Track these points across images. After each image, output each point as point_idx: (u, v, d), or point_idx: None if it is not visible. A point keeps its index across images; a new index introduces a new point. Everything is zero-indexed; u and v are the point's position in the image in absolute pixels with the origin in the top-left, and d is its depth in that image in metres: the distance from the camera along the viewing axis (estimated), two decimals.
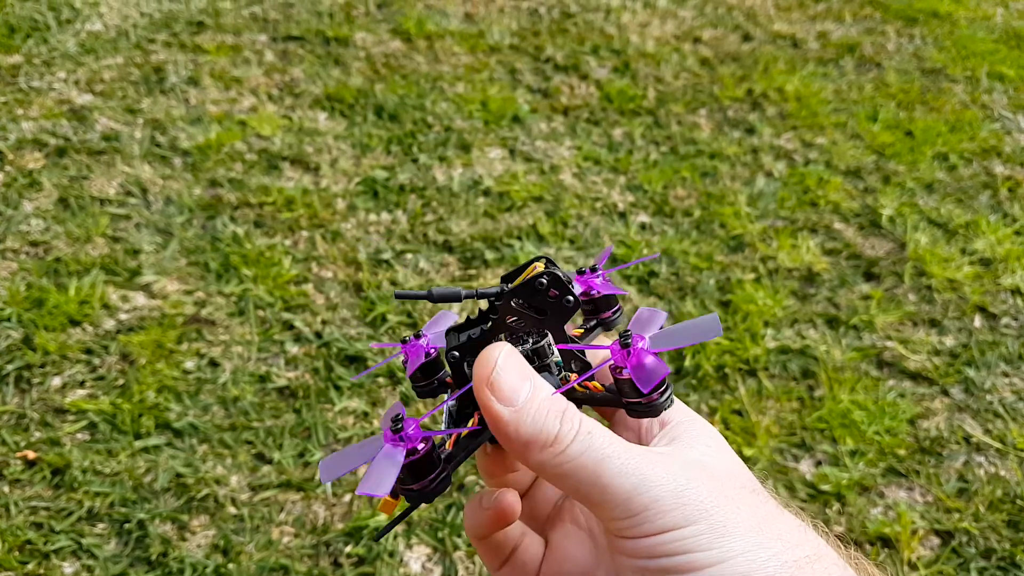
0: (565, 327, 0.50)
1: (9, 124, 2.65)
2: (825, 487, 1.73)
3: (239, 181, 2.47)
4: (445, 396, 0.52)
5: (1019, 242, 2.42)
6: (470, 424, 0.49)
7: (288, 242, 2.27)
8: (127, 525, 1.60)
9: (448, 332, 0.52)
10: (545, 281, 0.48)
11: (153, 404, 1.81)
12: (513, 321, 0.49)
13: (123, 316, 2.02)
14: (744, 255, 2.33)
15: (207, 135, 2.65)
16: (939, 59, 3.45)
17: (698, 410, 1.84)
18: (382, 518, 1.63)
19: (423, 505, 0.51)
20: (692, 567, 0.39)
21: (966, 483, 1.77)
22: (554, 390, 0.44)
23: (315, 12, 3.47)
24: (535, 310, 0.49)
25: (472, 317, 0.52)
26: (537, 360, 0.48)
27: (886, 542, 1.64)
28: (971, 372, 2.01)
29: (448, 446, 0.48)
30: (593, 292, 0.54)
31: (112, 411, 1.79)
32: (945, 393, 1.97)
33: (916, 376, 2.01)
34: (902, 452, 1.82)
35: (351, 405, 1.85)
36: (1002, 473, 1.80)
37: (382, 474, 0.43)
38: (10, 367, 1.87)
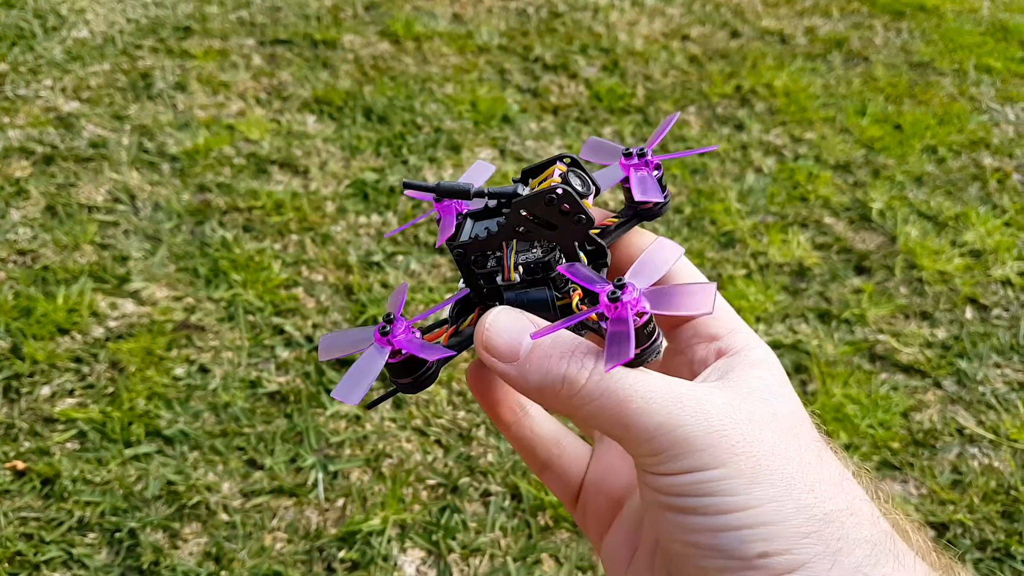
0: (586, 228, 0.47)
1: None
2: None
3: (228, 186, 2.46)
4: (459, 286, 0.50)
5: (1008, 233, 2.42)
6: (469, 320, 0.48)
7: (278, 246, 2.26)
8: (118, 534, 1.59)
9: (465, 217, 0.50)
10: (555, 196, 0.45)
11: (143, 412, 1.80)
12: (522, 228, 0.46)
13: (112, 323, 2.01)
14: (735, 251, 2.33)
15: (195, 140, 2.64)
16: (926, 52, 3.45)
17: None
18: (375, 522, 1.62)
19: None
20: (716, 510, 0.39)
21: (960, 475, 1.77)
22: (558, 330, 0.42)
23: (302, 15, 3.46)
24: (544, 223, 0.46)
25: (491, 206, 0.50)
26: (542, 273, 0.46)
27: None
28: (963, 364, 2.01)
29: (443, 341, 0.47)
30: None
31: (102, 419, 1.78)
32: (938, 385, 1.97)
33: (908, 369, 2.00)
34: (896, 445, 1.82)
35: (343, 409, 1.84)
36: (996, 464, 1.79)
37: (358, 381, 0.44)
38: None
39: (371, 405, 0.50)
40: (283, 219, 2.35)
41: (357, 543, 1.59)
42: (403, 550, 1.59)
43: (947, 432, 1.86)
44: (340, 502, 1.67)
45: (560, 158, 0.48)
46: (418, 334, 0.46)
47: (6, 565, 1.53)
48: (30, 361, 1.90)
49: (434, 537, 1.61)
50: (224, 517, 1.63)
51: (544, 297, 0.46)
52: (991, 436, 1.85)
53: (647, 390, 0.40)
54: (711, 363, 0.47)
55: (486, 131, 2.80)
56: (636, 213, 0.51)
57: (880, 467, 1.78)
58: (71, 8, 3.40)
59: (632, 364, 0.41)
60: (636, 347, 0.40)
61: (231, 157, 2.59)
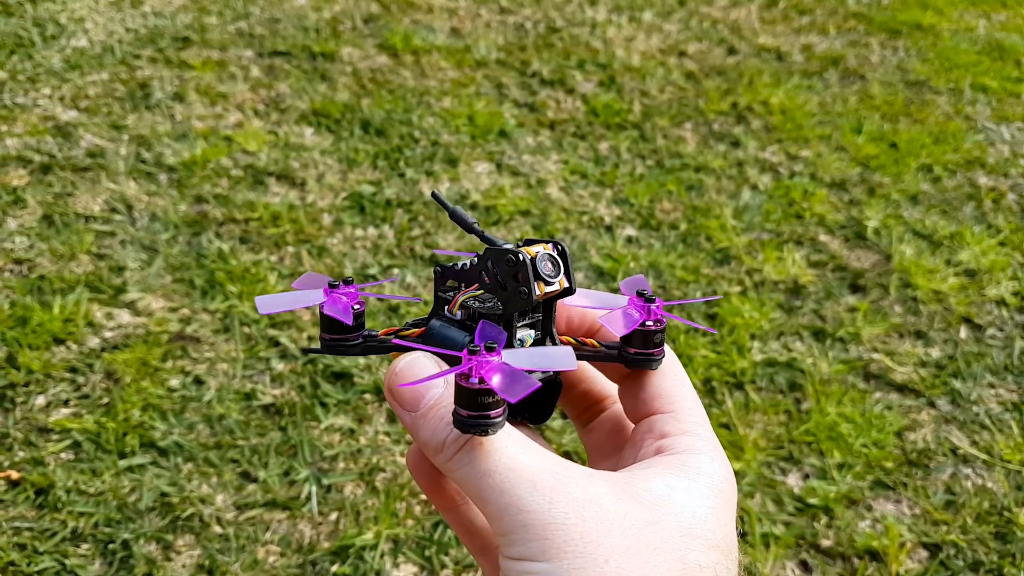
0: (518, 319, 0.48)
1: None
2: (813, 500, 1.73)
3: (225, 197, 2.46)
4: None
5: (1003, 253, 2.43)
6: (411, 332, 0.51)
7: (274, 258, 2.26)
8: (111, 545, 1.59)
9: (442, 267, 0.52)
10: (513, 260, 0.46)
11: (138, 423, 1.80)
12: (486, 278, 0.48)
13: (108, 334, 2.01)
14: (730, 268, 2.34)
15: (193, 151, 2.65)
16: (923, 71, 3.47)
17: None
18: (368, 537, 1.62)
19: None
20: None
21: (953, 495, 1.77)
22: (428, 381, 0.44)
23: (301, 27, 3.47)
24: (499, 282, 0.47)
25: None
26: (475, 322, 0.48)
27: (874, 555, 1.64)
28: (957, 383, 2.02)
29: (380, 332, 0.50)
30: (648, 322, 0.49)
31: (96, 430, 1.78)
32: (932, 405, 1.97)
33: (903, 388, 2.01)
34: (889, 465, 1.82)
35: (337, 422, 1.84)
36: (989, 485, 1.80)
37: (283, 301, 0.49)
38: None
39: (305, 351, 0.56)
40: (280, 231, 2.35)
41: (350, 557, 1.59)
42: (396, 565, 1.59)
43: (941, 452, 1.86)
44: (333, 516, 1.67)
45: (555, 243, 0.49)
46: (360, 307, 0.49)
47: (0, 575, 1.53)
48: (25, 371, 1.89)
49: (427, 552, 1.61)
50: (217, 530, 1.63)
51: (457, 339, 0.48)
52: (985, 456, 1.86)
53: (508, 467, 0.40)
54: (642, 451, 0.46)
55: (483, 145, 2.81)
56: (620, 353, 0.50)
57: (874, 487, 1.78)
58: (70, 17, 3.40)
59: (471, 429, 0.40)
60: (468, 410, 0.40)
61: (228, 168, 2.59)
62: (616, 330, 0.47)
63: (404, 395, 0.43)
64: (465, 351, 0.40)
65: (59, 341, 1.98)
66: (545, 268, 0.47)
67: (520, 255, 0.46)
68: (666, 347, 0.50)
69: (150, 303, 2.09)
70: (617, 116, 3.02)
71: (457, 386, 0.40)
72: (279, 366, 1.96)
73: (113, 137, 2.71)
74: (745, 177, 2.73)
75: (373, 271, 2.23)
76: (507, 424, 0.41)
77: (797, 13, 4.01)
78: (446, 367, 0.44)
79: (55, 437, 1.77)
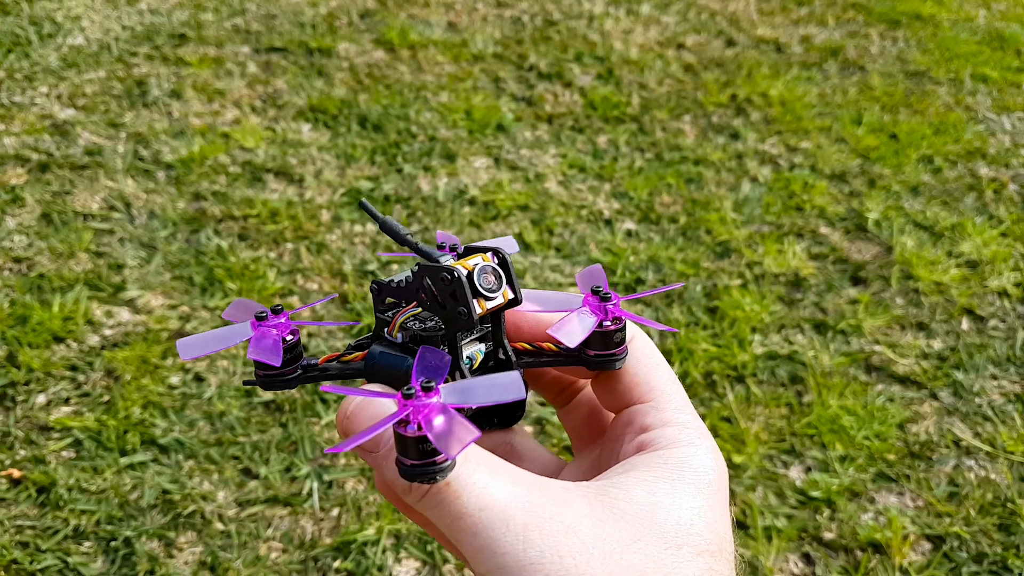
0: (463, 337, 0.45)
1: None
2: (815, 493, 1.72)
3: (223, 194, 2.46)
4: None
5: (1005, 244, 2.43)
6: (352, 356, 0.47)
7: (273, 254, 2.26)
8: (114, 543, 1.58)
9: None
10: (448, 278, 0.43)
11: (139, 420, 1.80)
12: (423, 295, 0.45)
13: (107, 332, 2.00)
14: (730, 261, 2.33)
15: (190, 148, 2.64)
16: (922, 61, 3.47)
17: None
18: (370, 532, 1.61)
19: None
20: None
21: (956, 487, 1.77)
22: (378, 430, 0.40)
23: (298, 23, 3.47)
24: (437, 301, 0.44)
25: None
26: (417, 345, 0.44)
27: (877, 548, 1.64)
28: (959, 375, 2.01)
29: (320, 360, 0.47)
30: (607, 322, 0.46)
31: (97, 428, 1.78)
32: (934, 397, 1.97)
33: (904, 380, 2.01)
34: (892, 457, 1.82)
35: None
36: (992, 476, 1.79)
37: (207, 343, 0.45)
38: None
39: (246, 383, 0.49)
40: (278, 227, 2.34)
41: (352, 553, 1.59)
42: (398, 560, 1.59)
43: (943, 444, 1.86)
44: (335, 512, 1.67)
45: (495, 252, 0.46)
46: (293, 337, 0.45)
47: (2, 573, 1.53)
48: (25, 369, 1.89)
49: (429, 548, 1.60)
50: (219, 526, 1.62)
51: (402, 366, 0.44)
52: (988, 448, 1.85)
53: (479, 507, 0.38)
54: (625, 453, 0.44)
55: (480, 140, 2.80)
56: (580, 355, 0.46)
57: (876, 479, 1.78)
58: (67, 15, 3.39)
59: (416, 478, 0.38)
60: (410, 459, 0.37)
61: (226, 165, 2.59)
62: (569, 340, 0.43)
63: (360, 439, 0.40)
64: (400, 395, 0.37)
65: (59, 339, 1.97)
66: (485, 282, 0.44)
67: (455, 272, 0.43)
68: (634, 329, 0.47)
69: (149, 300, 2.09)
70: (615, 109, 3.01)
71: (396, 434, 0.37)
72: None
73: (111, 135, 2.70)
74: (745, 169, 2.73)
75: (372, 267, 2.23)
76: (472, 444, 0.38)
77: (795, 4, 4.00)
78: (394, 393, 0.40)
79: (56, 435, 1.77)
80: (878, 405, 1.92)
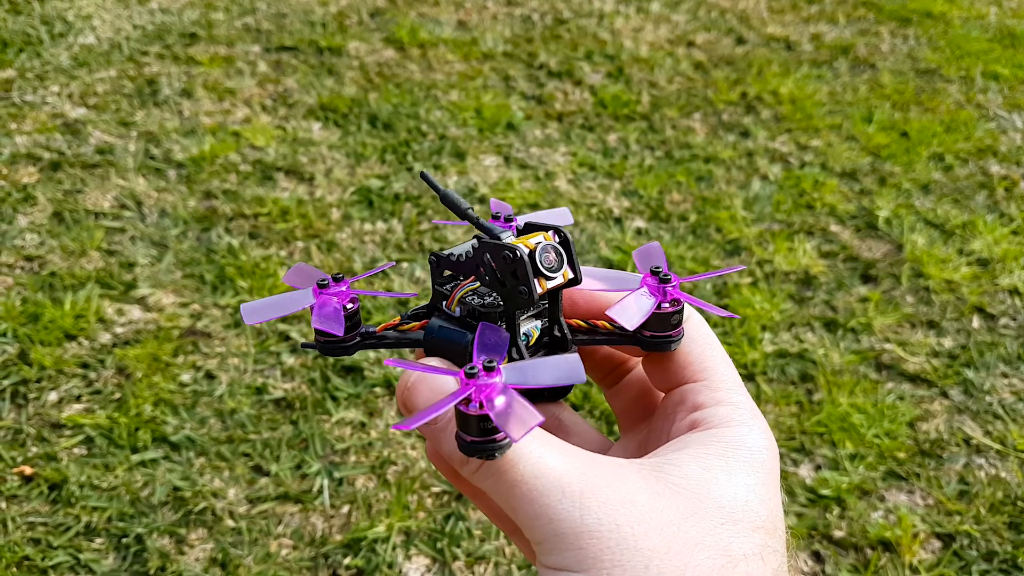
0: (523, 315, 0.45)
1: (3, 138, 2.65)
2: (825, 491, 1.72)
3: (234, 192, 2.47)
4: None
5: (1016, 242, 2.42)
6: (411, 326, 0.48)
7: (283, 253, 2.27)
8: (125, 540, 1.59)
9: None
10: (510, 256, 0.42)
11: (150, 418, 1.81)
12: (483, 271, 0.45)
13: (119, 330, 2.01)
14: (741, 259, 2.33)
15: (201, 147, 2.65)
16: (933, 59, 3.46)
17: None
18: (380, 529, 1.62)
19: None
20: None
21: (967, 485, 1.76)
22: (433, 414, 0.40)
23: (308, 22, 3.47)
24: (497, 279, 0.44)
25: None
26: (476, 320, 0.45)
27: (887, 546, 1.64)
28: (970, 373, 2.01)
29: (378, 329, 0.47)
30: (664, 304, 0.46)
31: (109, 425, 1.78)
32: (944, 395, 1.96)
33: (915, 378, 2.00)
34: (902, 455, 1.82)
35: (348, 416, 1.84)
36: (1003, 475, 1.79)
37: (269, 309, 0.46)
38: (6, 382, 1.87)
39: (304, 346, 0.50)
40: (289, 226, 2.35)
41: (362, 550, 1.59)
42: (408, 557, 1.59)
43: (954, 442, 1.86)
44: (345, 509, 1.67)
45: (557, 230, 0.46)
46: (353, 305, 0.46)
47: (14, 570, 1.54)
48: (37, 367, 1.90)
49: (439, 544, 1.61)
50: (230, 523, 1.63)
51: (461, 341, 0.45)
52: (998, 446, 1.85)
53: (535, 475, 0.38)
54: (678, 431, 0.44)
55: (491, 138, 2.80)
56: (635, 335, 0.46)
57: (886, 477, 1.78)
58: (78, 14, 3.41)
59: (476, 454, 0.38)
60: (471, 436, 0.38)
61: (237, 164, 2.60)
62: (627, 323, 0.43)
63: (415, 412, 0.41)
64: (462, 373, 0.38)
65: (71, 337, 1.98)
66: (547, 261, 0.44)
67: (517, 251, 0.42)
68: (690, 309, 0.47)
69: (161, 299, 2.10)
70: (625, 107, 3.01)
71: (457, 411, 0.38)
72: (290, 360, 1.96)
73: (122, 134, 2.71)
74: (755, 167, 2.72)
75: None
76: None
77: (806, 2, 3.99)
78: (456, 370, 0.41)
79: (68, 433, 1.78)
80: (888, 403, 1.92)
